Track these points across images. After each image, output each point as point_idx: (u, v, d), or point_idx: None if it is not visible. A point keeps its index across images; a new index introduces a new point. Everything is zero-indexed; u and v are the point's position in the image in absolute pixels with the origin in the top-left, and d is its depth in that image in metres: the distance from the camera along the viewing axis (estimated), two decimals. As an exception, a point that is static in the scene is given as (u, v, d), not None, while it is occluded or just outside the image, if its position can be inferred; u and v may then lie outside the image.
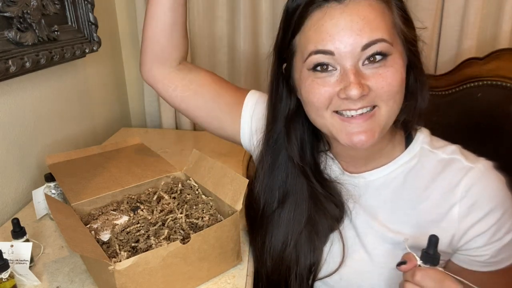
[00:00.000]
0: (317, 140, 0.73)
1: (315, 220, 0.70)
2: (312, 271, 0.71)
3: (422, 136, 0.69)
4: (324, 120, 0.62)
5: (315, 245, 0.70)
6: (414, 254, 0.54)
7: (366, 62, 0.57)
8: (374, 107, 0.59)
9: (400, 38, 0.60)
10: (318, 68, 0.59)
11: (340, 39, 0.56)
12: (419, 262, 0.53)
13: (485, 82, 1.00)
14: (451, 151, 0.66)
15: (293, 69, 0.65)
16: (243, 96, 0.81)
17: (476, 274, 0.65)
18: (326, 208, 0.70)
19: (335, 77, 0.59)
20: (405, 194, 0.67)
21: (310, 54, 0.59)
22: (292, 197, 0.72)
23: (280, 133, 0.71)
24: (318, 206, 0.70)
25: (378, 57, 0.57)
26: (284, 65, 0.68)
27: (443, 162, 0.66)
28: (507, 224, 0.62)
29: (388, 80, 0.57)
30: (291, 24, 0.62)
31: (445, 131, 0.71)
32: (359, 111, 0.59)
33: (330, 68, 0.58)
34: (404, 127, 0.70)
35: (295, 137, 0.70)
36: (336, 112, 0.61)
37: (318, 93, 0.60)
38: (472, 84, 1.02)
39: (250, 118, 0.79)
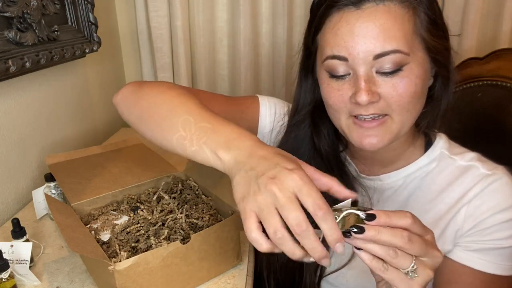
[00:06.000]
0: (337, 139, 0.73)
1: None
2: (318, 267, 0.71)
3: (441, 142, 0.69)
4: (340, 121, 0.63)
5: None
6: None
7: (380, 70, 0.57)
8: (385, 115, 0.59)
9: (422, 46, 0.59)
10: (334, 74, 0.60)
11: (353, 46, 0.56)
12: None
13: (485, 82, 1.00)
14: (469, 158, 0.66)
15: (316, 63, 0.66)
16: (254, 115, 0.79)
17: (468, 272, 0.64)
18: None
19: (349, 82, 0.59)
20: (421, 196, 0.67)
21: (326, 58, 0.60)
22: None
23: (305, 123, 0.71)
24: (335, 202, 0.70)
25: (392, 69, 0.56)
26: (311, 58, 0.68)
27: (461, 168, 0.66)
28: (510, 231, 0.61)
29: (399, 91, 0.57)
30: (314, 21, 0.63)
31: (445, 131, 0.71)
32: (371, 116, 0.59)
33: (344, 75, 0.59)
34: (424, 132, 0.70)
35: (324, 127, 0.70)
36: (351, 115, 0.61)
37: (333, 97, 0.61)
38: (472, 84, 1.02)
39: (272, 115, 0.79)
